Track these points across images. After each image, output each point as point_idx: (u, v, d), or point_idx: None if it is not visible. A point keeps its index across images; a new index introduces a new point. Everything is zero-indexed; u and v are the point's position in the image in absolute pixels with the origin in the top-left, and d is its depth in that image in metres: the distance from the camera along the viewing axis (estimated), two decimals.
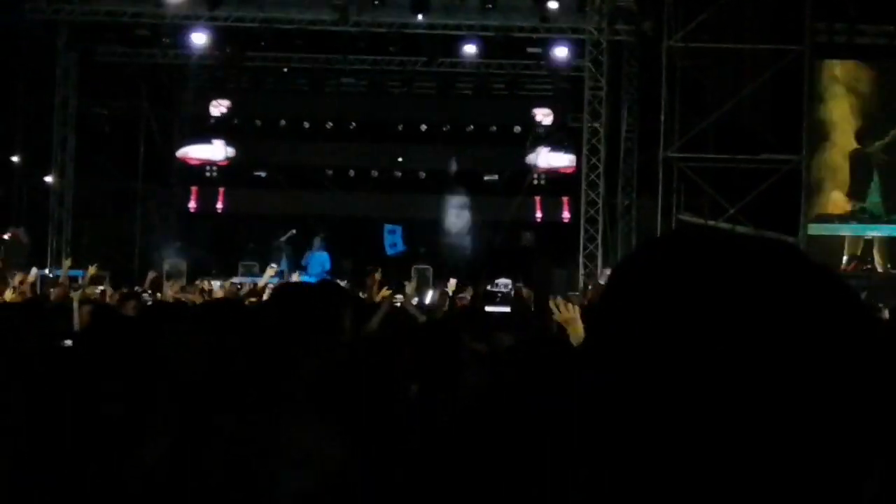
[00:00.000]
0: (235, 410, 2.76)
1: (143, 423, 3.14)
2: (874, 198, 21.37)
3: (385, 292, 9.18)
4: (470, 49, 24.34)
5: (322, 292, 3.14)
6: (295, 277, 19.79)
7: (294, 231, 23.21)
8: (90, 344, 5.85)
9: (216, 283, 17.37)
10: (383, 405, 3.81)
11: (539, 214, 26.19)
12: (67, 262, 14.20)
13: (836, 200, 21.48)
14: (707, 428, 0.90)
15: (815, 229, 21.34)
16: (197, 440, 2.75)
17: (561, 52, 24.14)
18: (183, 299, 12.07)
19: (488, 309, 9.71)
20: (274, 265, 18.97)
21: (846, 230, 21.37)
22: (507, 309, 10.07)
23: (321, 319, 2.88)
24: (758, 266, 0.95)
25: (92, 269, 13.77)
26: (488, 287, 14.40)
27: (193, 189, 27.36)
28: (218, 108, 26.96)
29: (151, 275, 16.00)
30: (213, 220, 27.02)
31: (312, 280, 19.27)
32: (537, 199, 26.52)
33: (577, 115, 23.97)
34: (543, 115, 26.52)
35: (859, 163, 21.38)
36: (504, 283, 14.31)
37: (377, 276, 10.78)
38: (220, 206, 27.20)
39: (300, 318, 2.86)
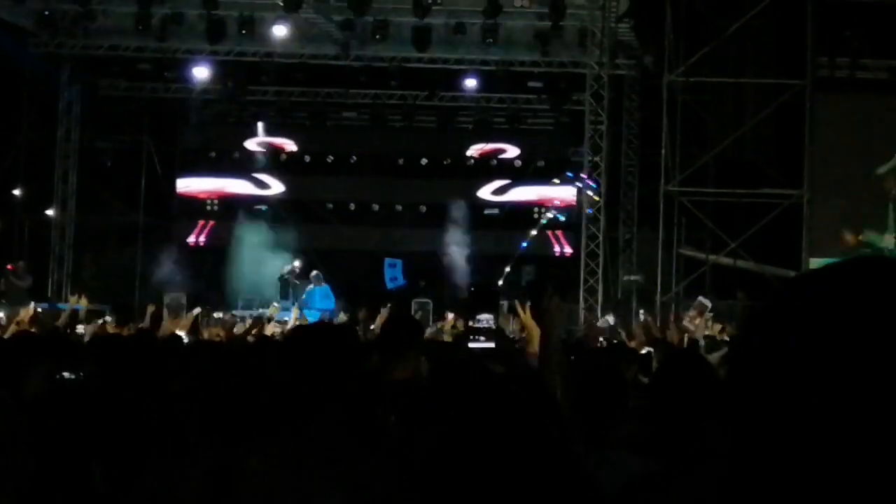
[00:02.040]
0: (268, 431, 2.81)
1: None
2: (872, 231, 21.20)
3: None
4: (471, 83, 24.35)
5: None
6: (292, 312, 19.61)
7: (297, 264, 23.17)
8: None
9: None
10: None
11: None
12: (76, 300, 14.05)
13: (836, 234, 21.30)
14: None
15: (816, 264, 21.16)
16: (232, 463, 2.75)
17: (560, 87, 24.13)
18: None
19: (472, 345, 9.51)
20: (276, 304, 18.89)
21: None
22: (492, 345, 9.89)
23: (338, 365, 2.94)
24: None
25: (82, 301, 13.70)
26: (470, 322, 14.27)
27: (199, 223, 27.34)
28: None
29: (150, 309, 15.89)
30: (213, 254, 26.97)
31: (316, 315, 19.15)
32: (549, 233, 26.38)
33: (577, 148, 23.90)
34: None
35: (859, 197, 21.22)
36: (486, 319, 14.13)
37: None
38: (217, 239, 27.12)
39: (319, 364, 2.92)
